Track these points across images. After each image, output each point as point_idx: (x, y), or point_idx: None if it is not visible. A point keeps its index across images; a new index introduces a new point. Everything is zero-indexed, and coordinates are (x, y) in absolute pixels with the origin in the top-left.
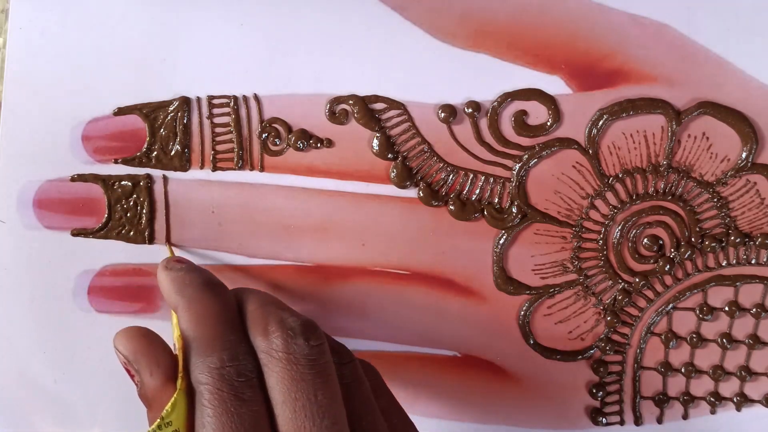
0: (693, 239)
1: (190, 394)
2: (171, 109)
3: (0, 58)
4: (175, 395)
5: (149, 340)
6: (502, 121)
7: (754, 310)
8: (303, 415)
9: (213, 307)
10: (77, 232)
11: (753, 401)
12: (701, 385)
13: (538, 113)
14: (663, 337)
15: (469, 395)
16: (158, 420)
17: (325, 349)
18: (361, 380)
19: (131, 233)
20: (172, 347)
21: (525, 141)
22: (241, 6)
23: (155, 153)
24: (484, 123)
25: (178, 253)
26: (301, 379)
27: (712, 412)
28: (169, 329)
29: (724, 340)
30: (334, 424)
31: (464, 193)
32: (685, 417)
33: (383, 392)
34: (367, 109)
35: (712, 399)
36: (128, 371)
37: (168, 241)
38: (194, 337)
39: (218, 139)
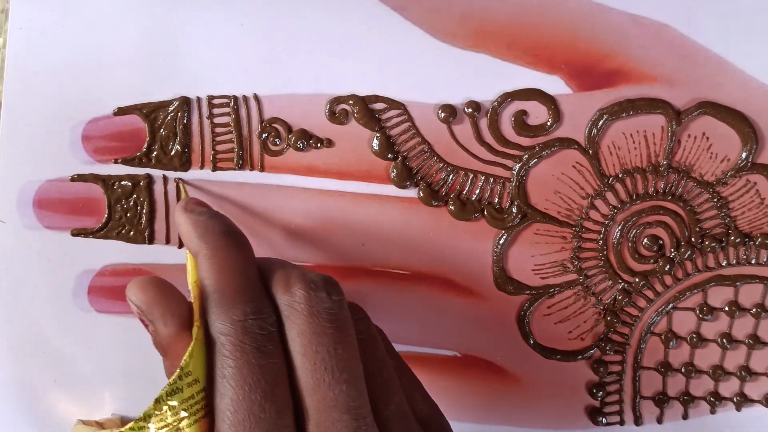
0: (693, 239)
1: (208, 343)
2: (171, 109)
3: (0, 58)
4: (192, 345)
5: (163, 289)
6: (502, 121)
7: (754, 310)
8: (323, 367)
9: (237, 257)
10: (77, 232)
11: (753, 401)
12: (701, 385)
13: (538, 113)
14: (663, 337)
15: (469, 395)
16: (178, 370)
17: (345, 305)
18: (375, 337)
19: (131, 233)
20: (186, 294)
21: (525, 141)
22: (241, 6)
23: (155, 153)
24: (484, 123)
25: (191, 192)
26: (323, 332)
27: (712, 412)
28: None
29: (724, 340)
30: (353, 377)
31: (464, 193)
32: (685, 417)
33: (392, 352)
34: (367, 109)
35: (712, 399)
36: (142, 321)
37: (180, 178)
38: (216, 288)
39: (218, 139)
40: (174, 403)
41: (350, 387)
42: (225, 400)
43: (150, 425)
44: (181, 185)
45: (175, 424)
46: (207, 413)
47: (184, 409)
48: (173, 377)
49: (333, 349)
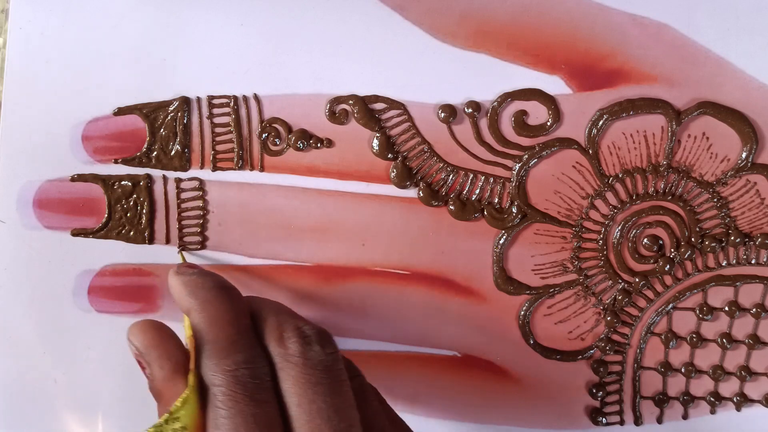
0: (693, 239)
1: (201, 393)
2: (171, 109)
3: (0, 58)
4: (186, 392)
5: (162, 333)
6: (502, 121)
7: (754, 310)
8: (319, 417)
9: (227, 309)
10: (77, 232)
11: (753, 401)
12: (701, 385)
13: (538, 113)
14: (663, 337)
15: (469, 395)
16: (166, 414)
17: (339, 358)
18: (369, 392)
19: (131, 233)
20: (185, 344)
21: (525, 141)
22: (241, 6)
23: (155, 153)
24: (484, 123)
25: (189, 260)
26: (318, 382)
27: (712, 412)
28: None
29: (724, 340)
30: (351, 426)
31: (464, 193)
32: (685, 417)
33: (386, 406)
34: (367, 109)
35: (712, 399)
36: (140, 363)
37: (180, 247)
38: (208, 339)
39: (218, 139)
40: None
41: None
42: None
43: None
44: (180, 254)
45: None
46: None
47: None
48: (159, 420)
49: (330, 398)
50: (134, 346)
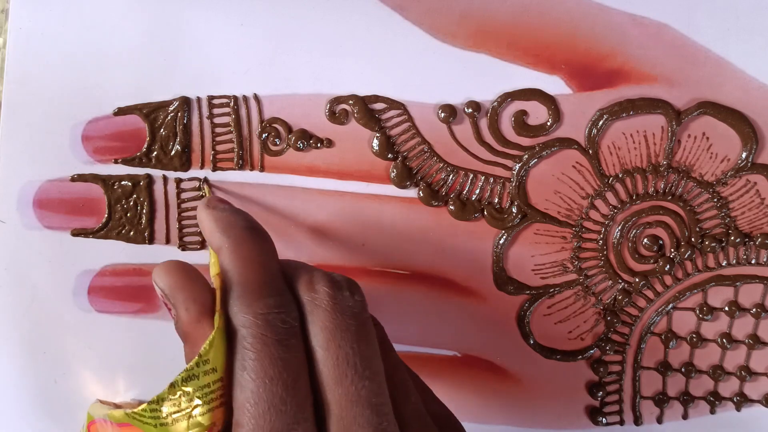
0: (693, 239)
1: (228, 333)
2: (171, 109)
3: (0, 58)
4: (212, 334)
5: (187, 275)
6: (502, 121)
7: (754, 310)
8: (345, 363)
9: (260, 251)
10: (77, 232)
11: (753, 401)
12: (701, 385)
13: (538, 113)
14: (663, 337)
15: (469, 395)
16: (196, 357)
17: (366, 306)
18: (389, 344)
19: (131, 233)
20: (210, 282)
21: (525, 141)
22: (241, 6)
23: (155, 153)
24: (484, 123)
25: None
26: (346, 328)
27: (712, 412)
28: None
29: (724, 340)
30: (375, 374)
31: (464, 193)
32: (684, 417)
33: (404, 364)
34: (367, 109)
35: (711, 399)
36: (166, 304)
37: (205, 179)
38: (239, 280)
39: (218, 139)
40: (189, 389)
41: (373, 383)
42: (245, 392)
43: (163, 408)
44: (204, 186)
45: (188, 410)
46: (222, 404)
47: (199, 397)
48: (191, 363)
49: (356, 345)
50: (159, 287)
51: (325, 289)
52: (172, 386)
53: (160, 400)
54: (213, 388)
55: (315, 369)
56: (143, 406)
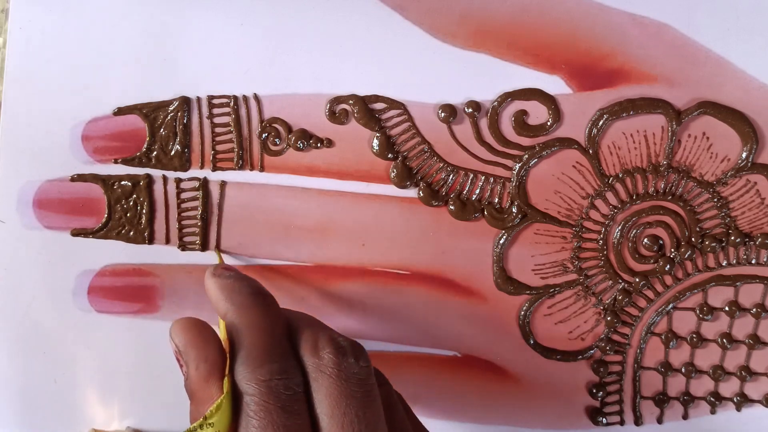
0: (693, 239)
1: (235, 399)
2: (171, 109)
3: (0, 58)
4: (221, 398)
5: (202, 334)
6: (502, 121)
7: (754, 310)
8: (351, 430)
9: (263, 316)
10: (77, 232)
11: (753, 401)
12: (701, 385)
13: (538, 113)
14: (663, 337)
15: (469, 395)
16: (201, 419)
17: (372, 372)
18: (396, 403)
19: (131, 233)
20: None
21: (525, 141)
22: (241, 6)
23: (155, 153)
24: (484, 123)
25: (226, 260)
26: (351, 395)
27: (712, 412)
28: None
29: (724, 340)
30: None
31: (464, 193)
32: (685, 417)
33: (410, 413)
34: (367, 109)
35: (712, 399)
36: (178, 360)
37: (217, 247)
38: (243, 346)
39: (218, 139)
40: None
41: None
42: None
43: None
44: (216, 252)
45: None
46: None
47: None
48: (194, 424)
49: (362, 412)
50: (174, 343)
51: (330, 356)
52: None
53: None
54: None
55: None
56: None
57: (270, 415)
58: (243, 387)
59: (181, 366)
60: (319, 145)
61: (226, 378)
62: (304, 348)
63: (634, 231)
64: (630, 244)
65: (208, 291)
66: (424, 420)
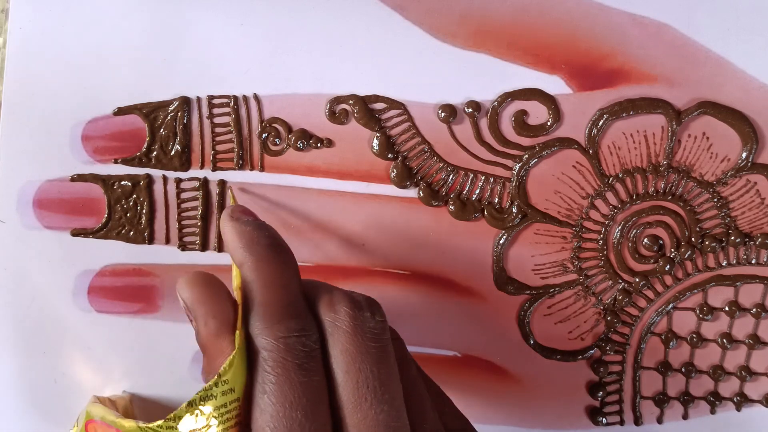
0: (693, 239)
1: (248, 352)
2: (171, 109)
3: (0, 58)
4: (233, 354)
5: (210, 289)
6: (502, 121)
7: (754, 310)
8: (365, 386)
9: (282, 271)
10: (77, 232)
11: (753, 401)
12: (701, 385)
13: (538, 113)
14: (663, 337)
15: (469, 395)
16: (215, 377)
17: (387, 327)
18: (408, 359)
19: (131, 233)
20: (232, 293)
21: (525, 141)
22: (241, 6)
23: (155, 153)
24: (484, 123)
25: (240, 200)
26: (366, 351)
27: (712, 412)
28: (172, 329)
29: (724, 340)
30: (394, 399)
31: (464, 193)
32: (685, 417)
33: (420, 371)
34: (367, 109)
35: (712, 399)
36: (188, 315)
37: (229, 185)
38: (260, 300)
39: (218, 139)
40: (206, 408)
41: (391, 407)
42: (264, 416)
43: (179, 426)
44: (229, 191)
45: (204, 430)
46: (238, 423)
47: (215, 416)
48: (209, 383)
49: (376, 368)
50: (182, 299)
51: (346, 310)
52: (190, 404)
53: (176, 418)
54: (230, 408)
55: (334, 391)
56: (159, 422)
57: (287, 372)
58: (259, 342)
59: (190, 321)
60: (319, 145)
61: (238, 332)
62: (320, 304)
63: (634, 231)
64: (630, 244)
65: (224, 235)
66: None
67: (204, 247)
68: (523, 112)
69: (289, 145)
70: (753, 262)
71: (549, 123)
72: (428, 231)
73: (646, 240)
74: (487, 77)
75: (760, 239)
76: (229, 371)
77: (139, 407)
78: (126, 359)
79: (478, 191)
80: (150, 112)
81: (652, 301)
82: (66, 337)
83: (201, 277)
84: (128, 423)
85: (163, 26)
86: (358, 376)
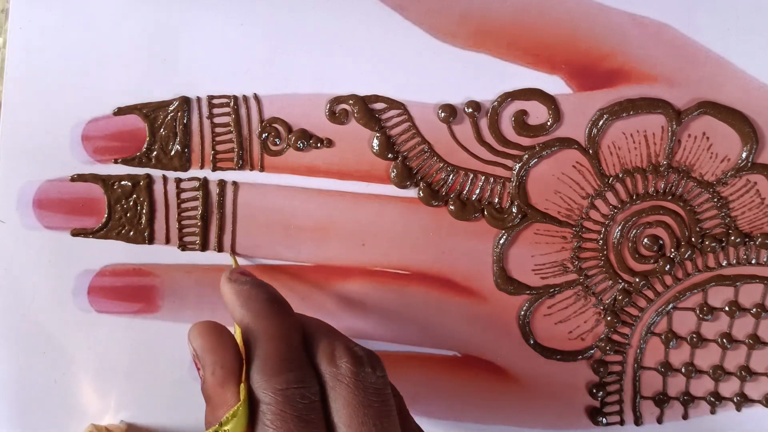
0: (693, 239)
1: (250, 406)
2: (171, 109)
3: (0, 58)
4: (237, 405)
5: (220, 339)
6: (502, 121)
7: (754, 310)
8: None
9: (280, 325)
10: (77, 232)
11: (753, 401)
12: (701, 385)
13: (538, 113)
14: (663, 337)
15: (469, 395)
16: (216, 425)
17: (387, 382)
18: (407, 413)
19: (131, 233)
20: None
21: (525, 141)
22: (241, 5)
23: (155, 153)
24: (484, 123)
25: (242, 263)
26: (369, 405)
27: (712, 412)
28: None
29: (724, 340)
30: None
31: (464, 193)
32: (685, 417)
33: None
34: (367, 109)
35: (712, 399)
36: (195, 364)
37: (232, 250)
38: (259, 354)
39: (218, 139)
40: None
41: None
42: None
43: None
44: (232, 257)
45: None
46: None
47: None
48: (209, 430)
49: (379, 422)
50: (192, 347)
51: (347, 365)
52: None
53: None
54: None
55: None
56: None
57: (287, 424)
58: (259, 395)
59: (198, 369)
60: (319, 145)
61: (242, 385)
62: (321, 357)
63: (634, 231)
64: (630, 244)
65: (224, 296)
66: (424, 420)
67: (204, 247)
68: (523, 112)
69: (289, 145)
70: (753, 262)
71: (549, 123)
72: (428, 231)
73: (646, 240)
74: (487, 77)
75: (760, 239)
76: (231, 421)
77: None
78: (126, 359)
79: (478, 191)
80: (150, 112)
81: (652, 301)
82: (66, 337)
83: (211, 327)
84: None
85: (164, 26)
86: (360, 429)
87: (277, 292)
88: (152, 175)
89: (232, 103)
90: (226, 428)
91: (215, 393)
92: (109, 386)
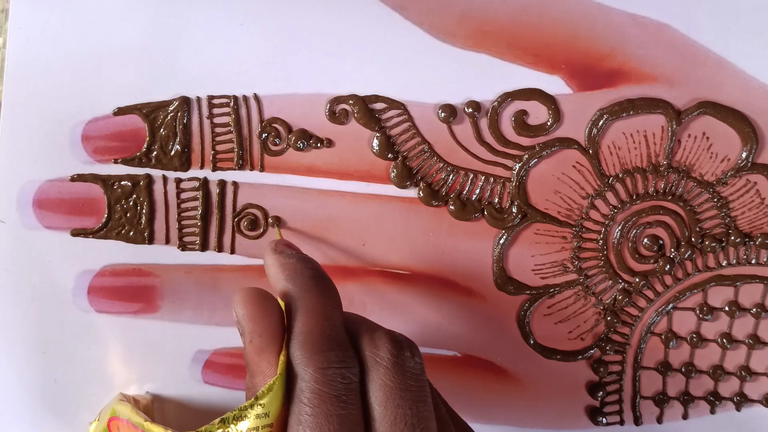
0: (693, 239)
1: (287, 380)
2: (171, 109)
3: (0, 58)
4: (273, 379)
5: (263, 307)
6: (502, 121)
7: (754, 310)
8: (403, 423)
9: (324, 302)
10: (77, 232)
11: (753, 401)
12: (701, 385)
13: (538, 113)
14: (663, 337)
15: (469, 395)
16: (252, 399)
17: (424, 368)
18: (439, 402)
19: (131, 233)
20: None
21: (525, 141)
22: (241, 6)
23: (155, 153)
24: (484, 123)
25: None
26: (406, 388)
27: (712, 412)
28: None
29: (724, 340)
30: None
31: (464, 193)
32: (685, 417)
33: (452, 412)
34: (367, 109)
35: (712, 399)
36: (239, 331)
37: (275, 221)
38: (302, 330)
39: (218, 139)
40: (240, 426)
41: None
42: None
43: None
44: (276, 227)
45: None
46: None
47: None
48: (245, 404)
49: (415, 406)
50: (235, 313)
51: (388, 347)
52: (222, 421)
53: None
54: None
55: (371, 426)
56: None
57: (324, 404)
58: (298, 371)
59: (241, 335)
60: (319, 145)
61: (282, 357)
62: (362, 338)
63: (634, 231)
64: (630, 244)
65: (267, 267)
66: None
67: (204, 247)
68: (523, 112)
69: (289, 145)
70: (753, 262)
71: (549, 123)
72: (428, 231)
73: (646, 240)
74: (487, 77)
75: (760, 239)
76: (266, 395)
77: (158, 409)
78: (126, 359)
79: (478, 191)
80: (150, 112)
81: (652, 301)
82: (66, 337)
83: (254, 294)
84: (156, 428)
85: (163, 26)
86: (396, 412)
87: (322, 268)
88: (152, 175)
89: (232, 103)
90: (261, 401)
91: (252, 360)
92: (109, 386)
